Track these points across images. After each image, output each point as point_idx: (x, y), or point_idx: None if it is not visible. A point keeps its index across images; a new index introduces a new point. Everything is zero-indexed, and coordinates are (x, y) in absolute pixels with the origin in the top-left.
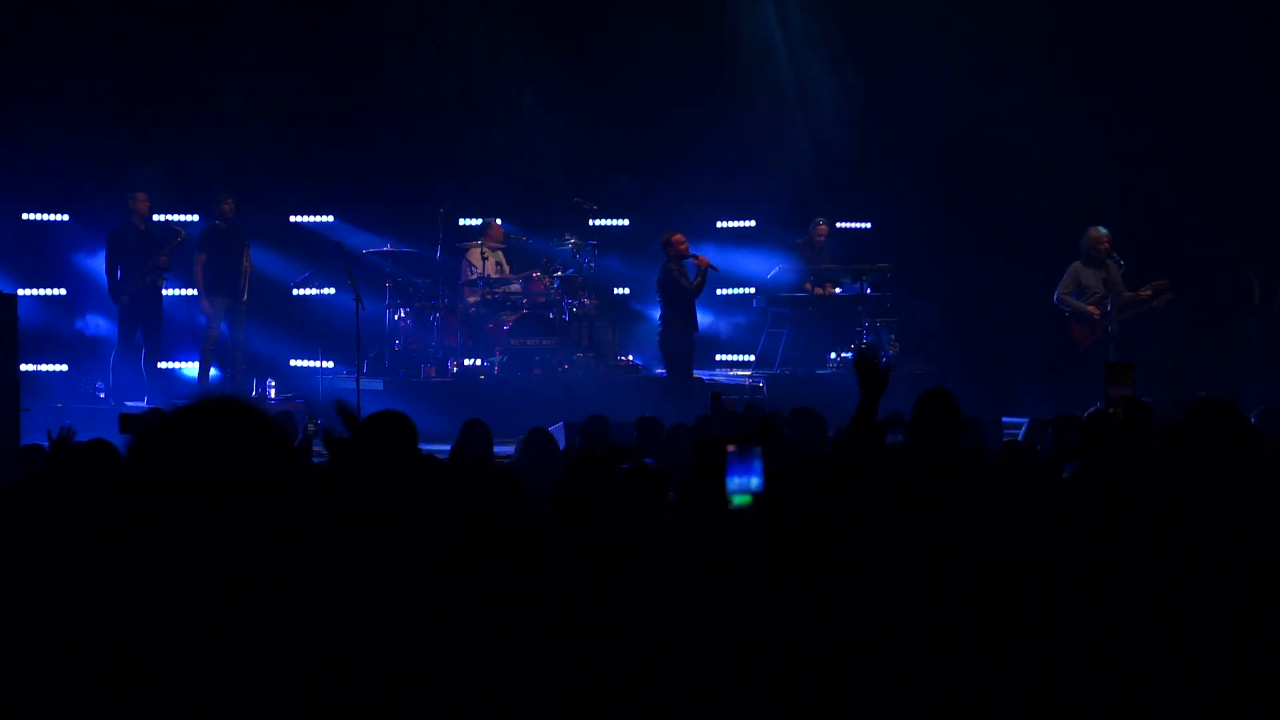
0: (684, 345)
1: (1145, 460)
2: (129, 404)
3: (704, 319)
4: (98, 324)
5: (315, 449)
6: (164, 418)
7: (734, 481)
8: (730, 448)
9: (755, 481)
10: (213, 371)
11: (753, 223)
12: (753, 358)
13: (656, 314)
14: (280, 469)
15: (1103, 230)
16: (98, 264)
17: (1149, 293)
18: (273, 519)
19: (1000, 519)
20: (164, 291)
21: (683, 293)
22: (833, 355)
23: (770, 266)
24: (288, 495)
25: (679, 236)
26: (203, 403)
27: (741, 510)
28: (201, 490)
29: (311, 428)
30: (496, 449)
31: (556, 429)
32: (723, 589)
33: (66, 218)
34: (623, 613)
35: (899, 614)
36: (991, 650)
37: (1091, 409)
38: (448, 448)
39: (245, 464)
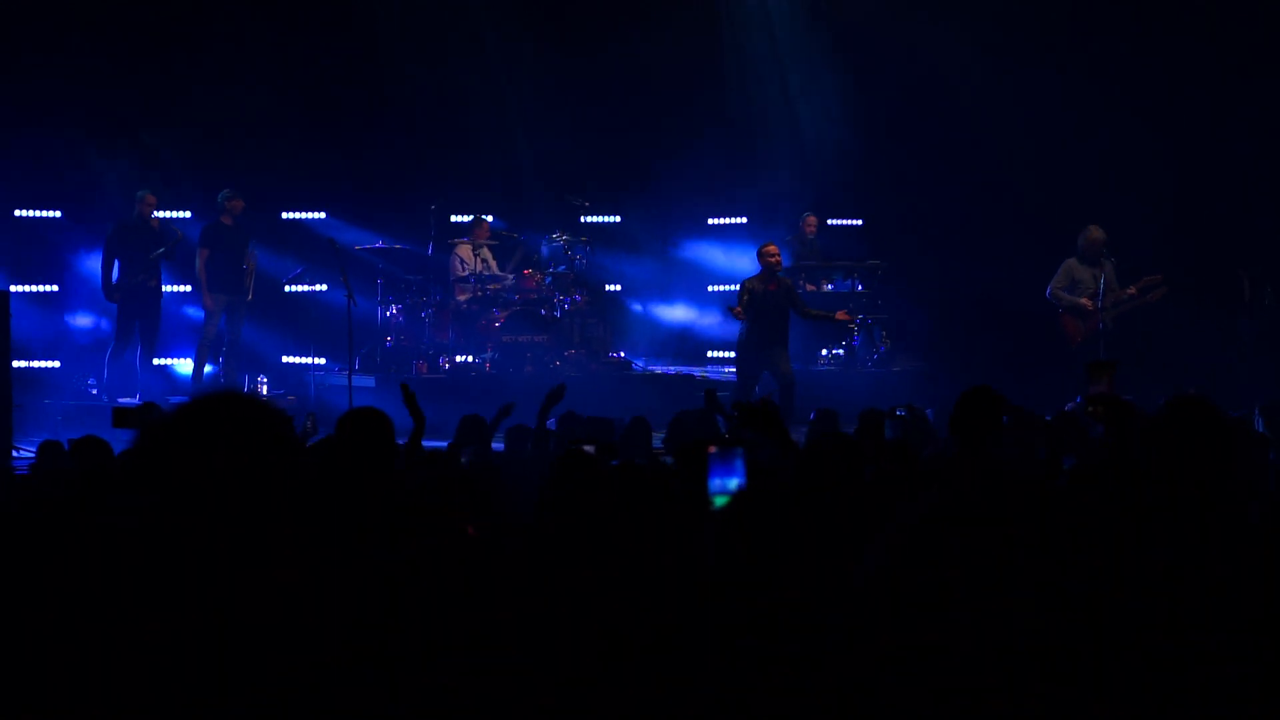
0: (740, 358)
1: (1127, 457)
2: (122, 400)
3: (692, 314)
4: (90, 321)
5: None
6: (174, 412)
7: (715, 483)
8: (712, 449)
9: (735, 482)
10: (207, 368)
11: (744, 219)
12: None
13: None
14: (290, 463)
15: (1099, 229)
16: (90, 261)
17: (1143, 286)
18: (281, 513)
19: (991, 505)
20: (162, 289)
21: (742, 307)
22: (824, 352)
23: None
24: (296, 489)
25: (768, 248)
26: (212, 397)
27: (720, 510)
28: (210, 483)
29: (309, 424)
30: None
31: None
32: (702, 587)
33: (59, 214)
34: (608, 610)
35: (872, 591)
36: (968, 633)
37: (1070, 405)
38: (441, 444)
39: (255, 458)
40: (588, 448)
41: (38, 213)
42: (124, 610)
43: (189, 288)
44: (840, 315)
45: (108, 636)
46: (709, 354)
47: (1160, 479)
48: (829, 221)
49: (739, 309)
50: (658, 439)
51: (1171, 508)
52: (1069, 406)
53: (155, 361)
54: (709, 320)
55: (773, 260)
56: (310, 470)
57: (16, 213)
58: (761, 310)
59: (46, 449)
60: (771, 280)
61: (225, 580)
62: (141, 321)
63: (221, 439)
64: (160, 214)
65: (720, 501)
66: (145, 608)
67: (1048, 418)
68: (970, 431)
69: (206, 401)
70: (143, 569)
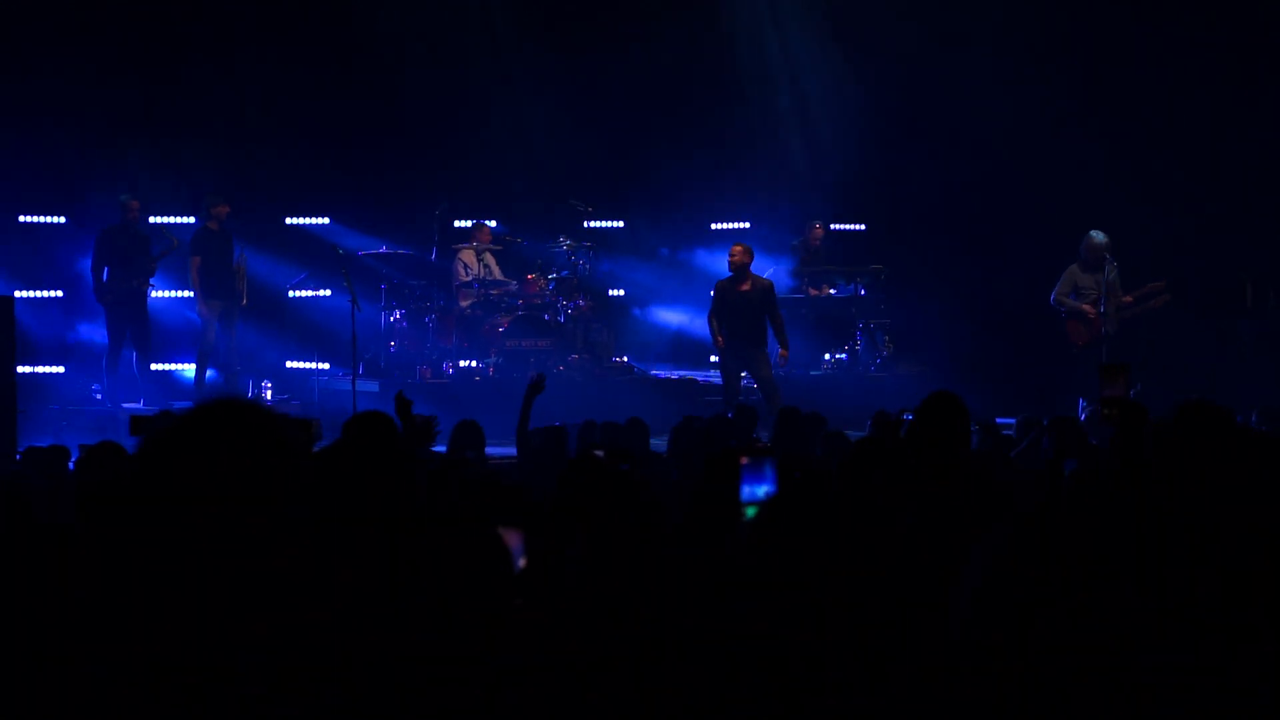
0: (721, 361)
1: (1139, 460)
2: (126, 405)
3: (695, 319)
4: (94, 327)
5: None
6: (174, 419)
7: (745, 491)
8: (744, 459)
9: (764, 490)
10: (209, 373)
11: (747, 224)
12: None
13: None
14: (292, 469)
15: (1100, 235)
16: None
17: (1139, 295)
18: (283, 518)
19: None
20: (159, 294)
21: (714, 311)
22: (827, 356)
23: (765, 268)
24: (298, 495)
25: (733, 249)
26: (213, 404)
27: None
28: (213, 490)
29: (314, 430)
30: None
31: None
32: (728, 594)
33: (63, 220)
34: (622, 617)
35: (975, 614)
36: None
37: (1084, 412)
38: (442, 449)
39: (257, 464)
40: (598, 452)
41: (41, 218)
42: (129, 614)
43: (189, 293)
44: (783, 354)
45: (112, 641)
46: (712, 358)
47: (1172, 482)
48: (832, 226)
49: (719, 338)
50: (660, 443)
51: (1183, 511)
52: (1084, 414)
53: (154, 367)
54: None
55: (734, 260)
56: (315, 474)
57: (20, 218)
58: (731, 311)
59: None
60: (743, 280)
61: (230, 583)
62: (131, 327)
63: (224, 444)
64: (163, 219)
65: (752, 512)
66: (151, 611)
67: (1045, 421)
68: (937, 435)
69: (209, 407)
70: (148, 572)
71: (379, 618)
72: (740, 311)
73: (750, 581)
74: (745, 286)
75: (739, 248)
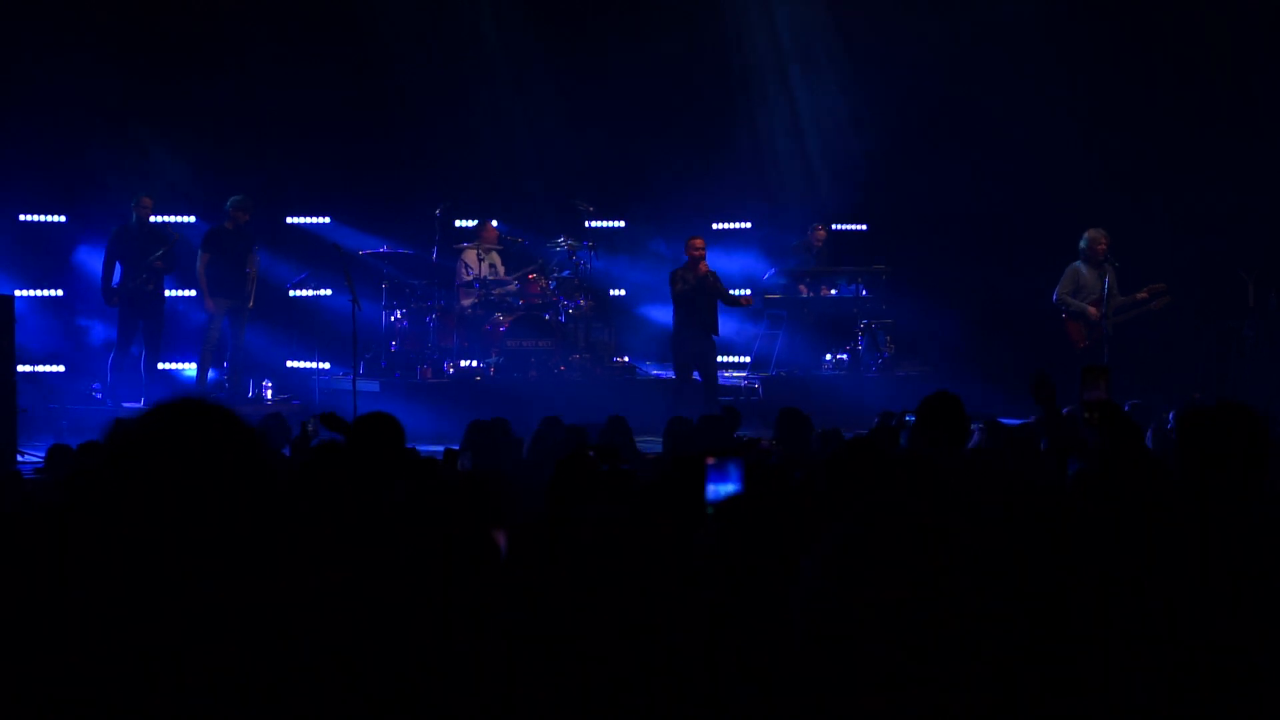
0: (676, 348)
1: (1132, 461)
2: (126, 405)
3: None
4: (95, 325)
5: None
6: (129, 422)
7: (710, 490)
8: (710, 460)
9: (729, 489)
10: (210, 373)
11: (748, 224)
12: (749, 359)
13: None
14: (250, 469)
15: (1100, 232)
16: (95, 265)
17: (1146, 295)
18: (245, 519)
19: (930, 518)
20: (167, 293)
21: (674, 297)
22: (828, 357)
23: (766, 269)
24: (261, 495)
25: (694, 241)
26: (167, 405)
27: (719, 515)
28: (167, 491)
29: (311, 428)
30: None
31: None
32: (695, 589)
33: (63, 219)
34: (607, 613)
35: (807, 612)
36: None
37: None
38: (441, 449)
39: (213, 465)
40: (591, 452)
41: (42, 217)
42: (104, 614)
43: (193, 292)
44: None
45: (93, 640)
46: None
47: (1199, 482)
48: (834, 226)
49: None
50: (653, 444)
51: (1206, 510)
52: (1065, 410)
53: (160, 366)
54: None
55: (702, 251)
56: (313, 472)
57: (21, 217)
58: (694, 299)
59: (55, 453)
60: (696, 269)
61: (207, 585)
62: (144, 325)
63: (179, 444)
64: (163, 218)
65: (711, 510)
66: (123, 613)
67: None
68: (937, 435)
69: (164, 408)
70: (120, 574)
71: (369, 616)
72: (702, 298)
73: (709, 579)
74: (702, 271)
75: (701, 240)
